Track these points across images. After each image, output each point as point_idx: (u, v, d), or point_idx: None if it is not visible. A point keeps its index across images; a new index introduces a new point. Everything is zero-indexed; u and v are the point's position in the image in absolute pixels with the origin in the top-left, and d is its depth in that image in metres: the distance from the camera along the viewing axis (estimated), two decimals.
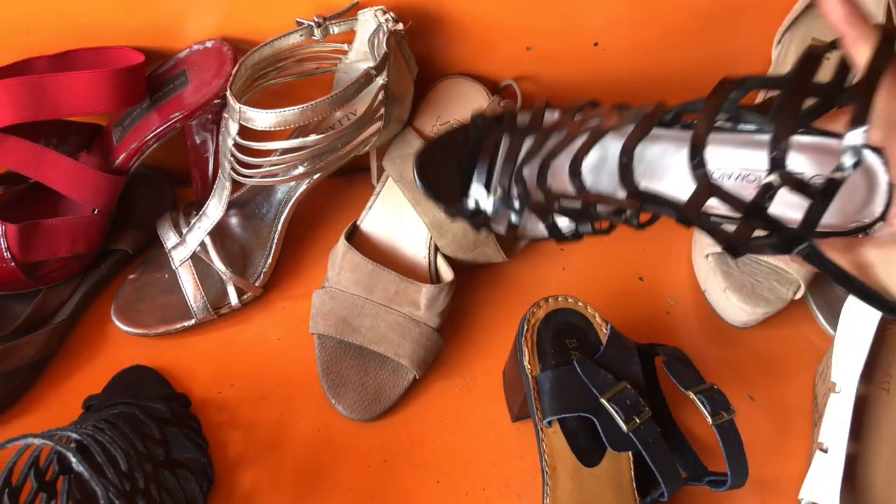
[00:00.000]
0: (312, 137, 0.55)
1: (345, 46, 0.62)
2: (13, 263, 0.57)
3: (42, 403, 0.59)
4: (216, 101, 0.60)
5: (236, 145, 0.56)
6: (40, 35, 0.58)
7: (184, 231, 0.63)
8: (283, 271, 0.66)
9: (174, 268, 0.62)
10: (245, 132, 0.56)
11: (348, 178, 0.71)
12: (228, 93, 0.55)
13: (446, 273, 0.62)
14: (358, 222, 0.64)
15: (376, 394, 0.59)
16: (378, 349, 0.59)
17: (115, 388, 0.58)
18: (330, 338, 0.60)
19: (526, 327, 0.55)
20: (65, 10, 0.57)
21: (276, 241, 0.64)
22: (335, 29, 0.60)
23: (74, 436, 0.41)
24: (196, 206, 0.65)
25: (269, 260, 0.64)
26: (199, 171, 0.65)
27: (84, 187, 0.58)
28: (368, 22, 0.59)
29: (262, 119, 0.54)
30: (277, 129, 0.54)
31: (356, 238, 0.63)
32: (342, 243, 0.61)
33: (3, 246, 0.56)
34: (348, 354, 0.60)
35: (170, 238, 0.63)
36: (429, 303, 0.59)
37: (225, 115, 0.57)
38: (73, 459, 0.38)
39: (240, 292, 0.63)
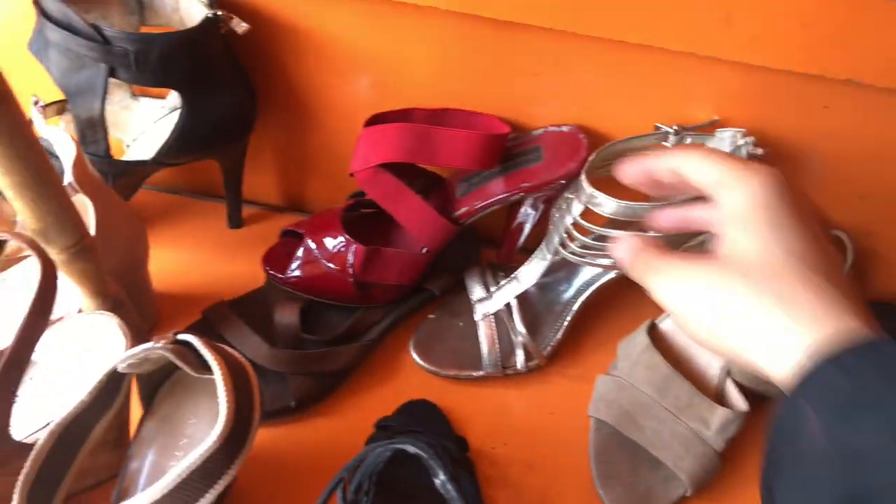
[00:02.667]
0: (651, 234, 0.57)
1: None
2: (351, 279, 0.64)
3: (338, 409, 0.64)
4: (561, 182, 0.64)
5: (575, 224, 0.60)
6: (425, 91, 0.66)
7: (491, 289, 0.67)
8: (564, 350, 0.68)
9: (475, 319, 0.67)
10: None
11: None
12: (584, 176, 0.59)
13: (738, 400, 0.61)
14: (657, 321, 0.65)
15: (644, 497, 0.59)
16: (658, 455, 0.59)
17: (406, 415, 0.62)
18: (607, 425, 0.61)
19: None
20: (451, 77, 0.65)
21: (568, 319, 0.67)
22: (688, 139, 0.62)
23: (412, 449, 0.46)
24: (498, 267, 0.70)
25: (558, 336, 0.67)
26: (511, 239, 0.70)
27: (428, 229, 0.64)
28: (723, 141, 0.61)
29: (610, 206, 0.57)
30: (619, 217, 0.57)
31: (653, 335, 0.64)
32: (644, 338, 0.62)
33: (349, 262, 0.63)
34: (622, 448, 0.61)
35: (476, 291, 0.68)
36: (721, 427, 0.59)
37: (569, 194, 0.61)
38: (413, 448, 0.42)
39: (527, 357, 0.66)
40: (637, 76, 0.61)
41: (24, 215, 0.45)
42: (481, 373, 0.66)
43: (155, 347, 0.42)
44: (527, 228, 0.69)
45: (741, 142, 0.60)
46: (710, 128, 0.62)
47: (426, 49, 0.63)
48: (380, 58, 0.64)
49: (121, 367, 0.44)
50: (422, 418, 0.63)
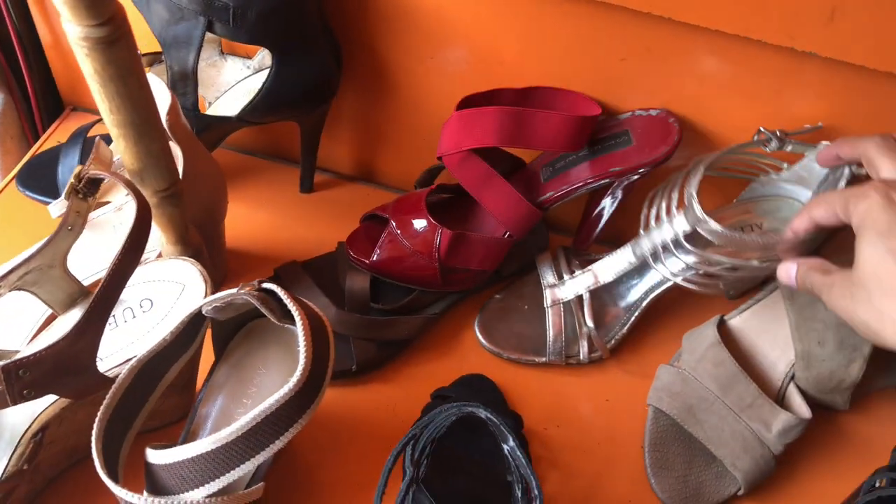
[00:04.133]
0: (755, 263, 0.57)
1: (784, 165, 0.63)
2: (437, 264, 0.63)
3: (396, 377, 0.65)
4: (645, 169, 0.62)
5: (676, 243, 0.59)
6: (512, 69, 0.65)
7: (565, 276, 0.67)
8: (625, 344, 0.68)
9: (545, 306, 0.66)
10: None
11: None
12: (695, 201, 0.57)
13: (801, 406, 0.60)
14: (726, 317, 0.64)
15: (696, 492, 0.59)
16: (715, 451, 0.59)
17: (463, 387, 0.63)
18: (666, 416, 0.61)
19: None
20: (539, 56, 0.64)
21: (636, 315, 0.66)
22: (789, 147, 0.60)
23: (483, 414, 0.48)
24: (572, 253, 0.69)
25: (623, 331, 0.67)
26: (589, 227, 0.68)
27: (515, 214, 0.63)
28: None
29: (719, 236, 0.56)
30: (725, 247, 0.57)
31: (721, 331, 0.63)
32: (713, 333, 0.62)
33: (436, 247, 0.63)
34: (678, 440, 0.61)
35: (547, 277, 0.67)
36: (782, 431, 0.58)
37: (676, 212, 0.60)
38: (484, 413, 0.45)
39: (591, 349, 0.66)
40: (733, 69, 0.59)
41: (124, 156, 0.46)
42: (544, 359, 0.66)
43: (241, 293, 0.43)
44: (605, 217, 0.68)
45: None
46: (813, 135, 0.60)
47: (517, 26, 0.62)
48: (470, 33, 0.64)
49: (206, 311, 0.45)
50: (478, 391, 0.63)
